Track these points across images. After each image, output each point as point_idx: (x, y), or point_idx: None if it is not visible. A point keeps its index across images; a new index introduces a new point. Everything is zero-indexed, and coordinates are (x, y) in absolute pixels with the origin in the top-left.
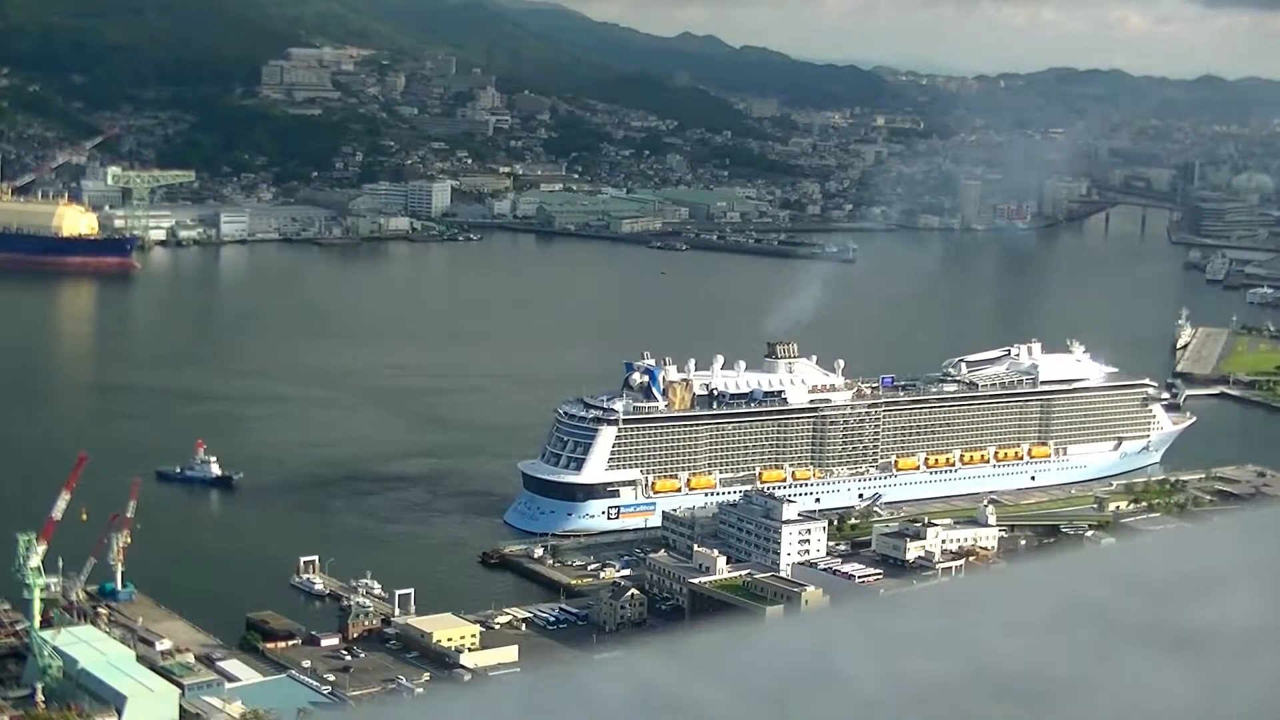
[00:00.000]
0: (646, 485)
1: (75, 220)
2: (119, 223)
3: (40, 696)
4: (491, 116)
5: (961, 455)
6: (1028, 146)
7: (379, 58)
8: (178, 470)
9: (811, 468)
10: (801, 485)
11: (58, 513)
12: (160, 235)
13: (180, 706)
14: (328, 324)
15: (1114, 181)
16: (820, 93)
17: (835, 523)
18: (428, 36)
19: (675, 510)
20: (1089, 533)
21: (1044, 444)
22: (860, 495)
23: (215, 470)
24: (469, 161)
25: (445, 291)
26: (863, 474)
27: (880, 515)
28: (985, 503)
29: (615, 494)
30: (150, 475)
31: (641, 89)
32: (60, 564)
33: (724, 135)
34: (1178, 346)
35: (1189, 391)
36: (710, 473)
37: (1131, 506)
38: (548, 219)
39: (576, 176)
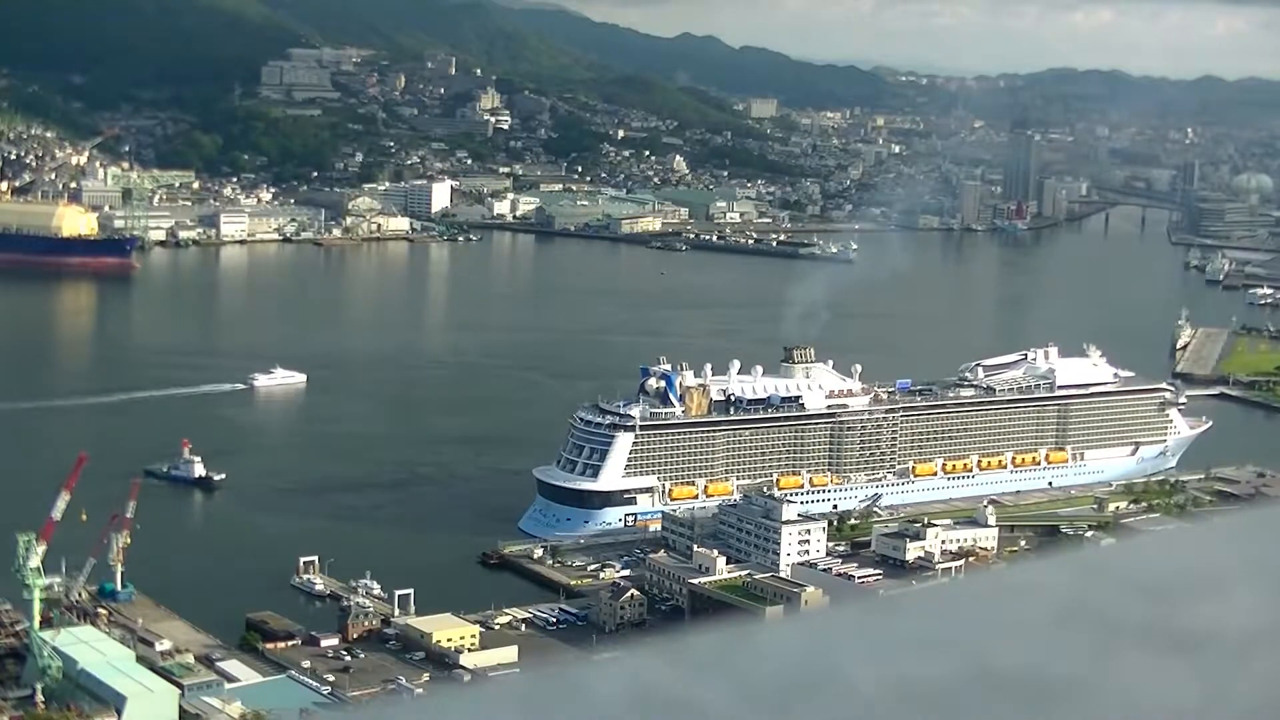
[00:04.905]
0: (664, 492)
1: (75, 220)
2: (119, 223)
3: (40, 697)
4: (491, 117)
5: (979, 460)
6: (1028, 146)
7: (379, 58)
8: (164, 469)
9: (829, 473)
10: (819, 491)
11: (57, 513)
12: (160, 235)
13: (180, 707)
14: (327, 323)
15: (1114, 181)
16: (820, 93)
17: (835, 523)
18: (428, 36)
19: (675, 510)
20: (1089, 533)
21: (1061, 449)
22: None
23: (199, 470)
24: (469, 161)
25: (446, 291)
26: (880, 480)
27: (880, 515)
28: (985, 503)
29: (632, 501)
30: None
31: (641, 89)
32: (63, 564)
33: (724, 135)
34: (1178, 347)
35: (1189, 392)
36: (727, 479)
37: (1131, 506)
38: (547, 219)
39: (576, 176)
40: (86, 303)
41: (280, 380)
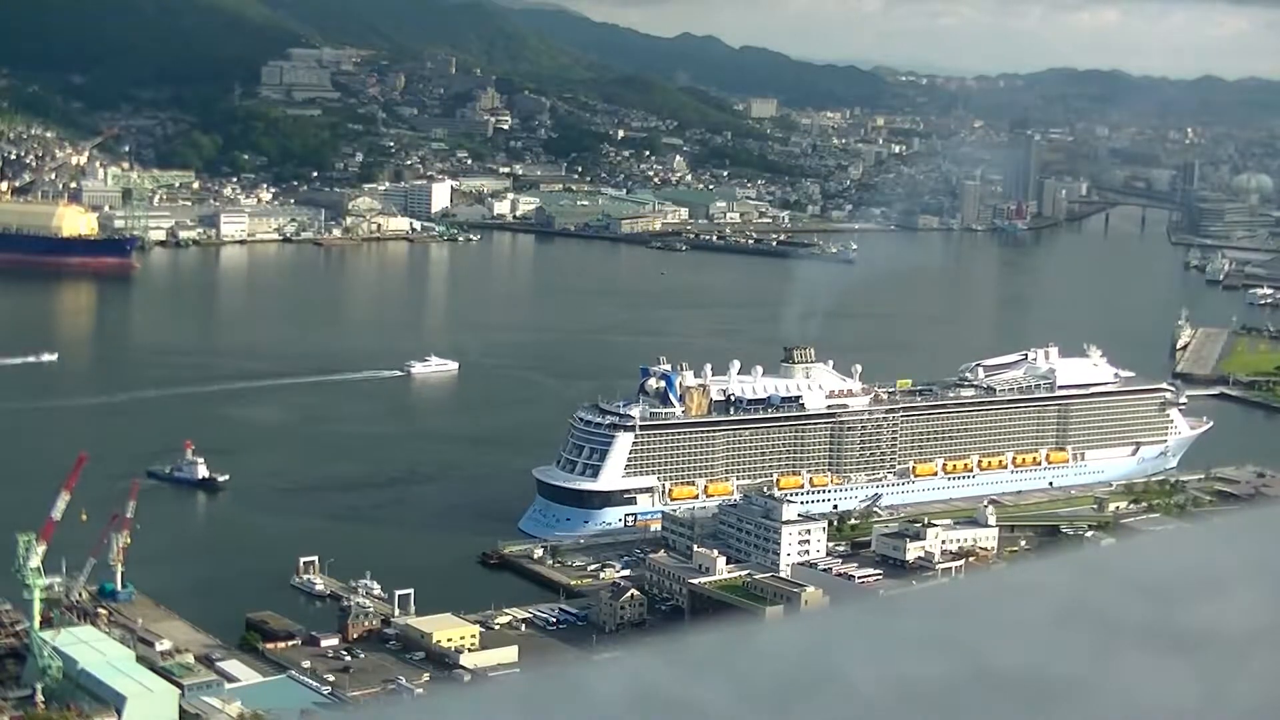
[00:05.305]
0: (664, 492)
1: (75, 220)
2: (119, 223)
3: (40, 697)
4: (491, 116)
5: (979, 460)
6: (1028, 146)
7: (379, 58)
8: (167, 470)
9: (829, 473)
10: (819, 491)
11: (57, 513)
12: (160, 235)
13: (180, 707)
14: (327, 323)
15: (1114, 181)
16: (820, 93)
17: (835, 523)
18: (428, 36)
19: (675, 510)
20: (1089, 533)
21: (1062, 449)
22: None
23: (202, 471)
24: (469, 161)
25: (446, 291)
26: (880, 480)
27: (880, 515)
28: (985, 503)
29: (632, 501)
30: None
31: (641, 89)
32: (64, 564)
33: (724, 135)
34: (1178, 347)
35: (1189, 392)
36: (727, 479)
37: (1131, 506)
38: (547, 219)
39: (576, 176)
40: (86, 303)
41: (435, 368)
